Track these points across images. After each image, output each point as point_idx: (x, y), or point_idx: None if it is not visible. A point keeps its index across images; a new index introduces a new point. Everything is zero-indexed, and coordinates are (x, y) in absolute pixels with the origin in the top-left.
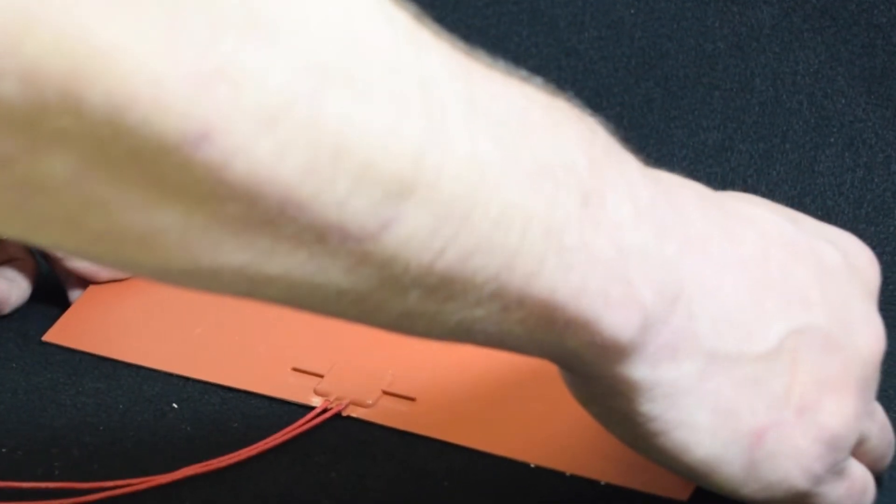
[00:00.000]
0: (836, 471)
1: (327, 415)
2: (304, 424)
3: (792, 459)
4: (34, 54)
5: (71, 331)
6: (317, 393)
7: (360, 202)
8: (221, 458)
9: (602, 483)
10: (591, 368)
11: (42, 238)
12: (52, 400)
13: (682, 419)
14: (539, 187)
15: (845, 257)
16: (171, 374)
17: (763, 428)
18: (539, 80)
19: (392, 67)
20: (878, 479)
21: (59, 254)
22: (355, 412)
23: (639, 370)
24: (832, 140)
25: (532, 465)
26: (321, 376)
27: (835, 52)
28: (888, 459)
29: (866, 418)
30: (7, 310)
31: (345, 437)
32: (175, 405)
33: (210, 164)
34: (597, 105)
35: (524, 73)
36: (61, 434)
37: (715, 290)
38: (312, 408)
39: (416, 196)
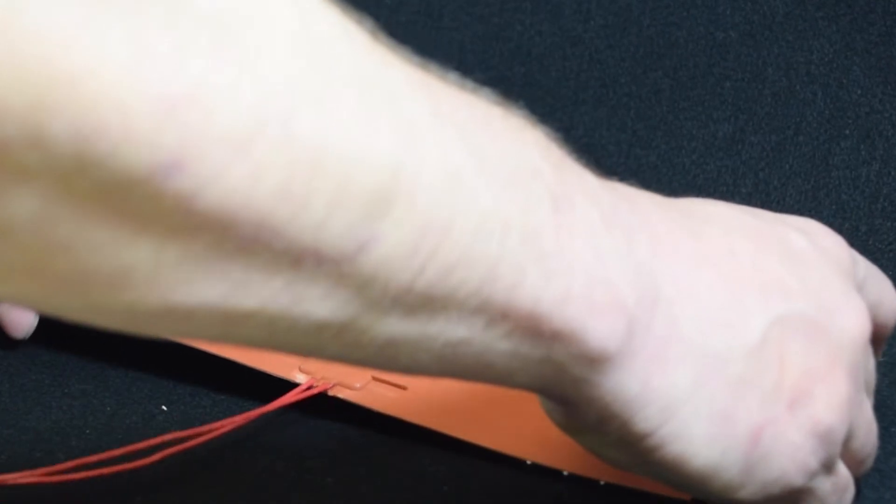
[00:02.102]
0: (828, 465)
1: (313, 391)
2: (288, 399)
3: (787, 456)
4: None
5: None
6: (302, 370)
7: (336, 223)
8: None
9: (601, 483)
10: (581, 389)
11: (3, 288)
12: (37, 402)
13: (679, 431)
14: (512, 194)
15: (812, 241)
16: (160, 376)
17: (758, 427)
18: (487, 91)
19: (358, 83)
20: (857, 483)
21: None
22: (342, 393)
23: (631, 385)
24: (847, 132)
25: (528, 462)
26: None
27: (850, 41)
28: (869, 464)
29: (856, 407)
30: (21, 334)
31: (341, 441)
32: (164, 408)
33: (182, 195)
34: (603, 96)
35: (472, 84)
36: (46, 437)
37: (691, 290)
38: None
39: (393, 213)
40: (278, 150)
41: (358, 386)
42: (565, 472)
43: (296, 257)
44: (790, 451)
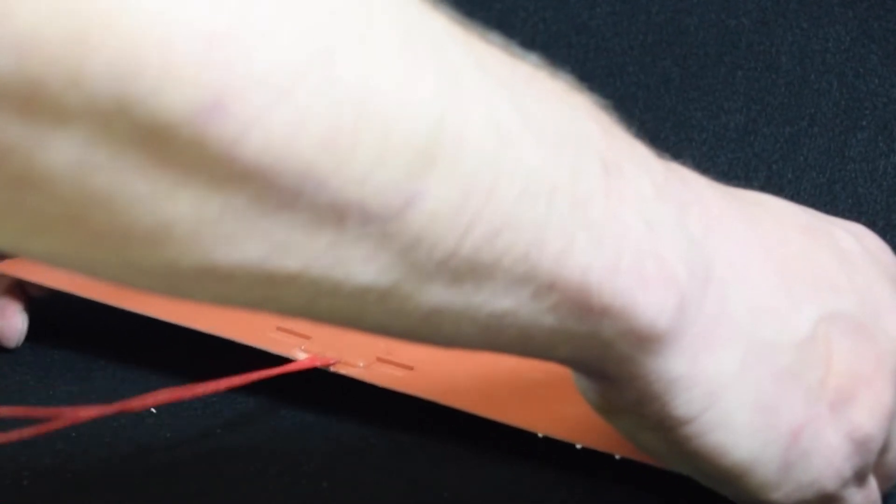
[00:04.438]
0: (861, 475)
1: (315, 362)
2: (288, 368)
3: (824, 458)
4: (31, 20)
5: (28, 260)
6: (304, 350)
7: (381, 176)
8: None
9: (617, 457)
10: (625, 367)
11: (38, 244)
12: (22, 404)
13: (721, 420)
14: (560, 156)
15: (860, 243)
16: (149, 378)
17: (800, 425)
18: (534, 56)
19: (402, 29)
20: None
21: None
22: (345, 370)
23: (677, 365)
24: (864, 123)
25: (540, 436)
26: (308, 338)
27: (867, 29)
28: (895, 480)
29: (894, 419)
30: (12, 344)
31: (337, 444)
32: (153, 409)
33: (223, 140)
34: (610, 86)
35: (516, 48)
36: (31, 440)
37: (743, 272)
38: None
39: (438, 167)
40: (320, 94)
41: (361, 364)
42: (578, 446)
43: (340, 213)
44: (827, 453)
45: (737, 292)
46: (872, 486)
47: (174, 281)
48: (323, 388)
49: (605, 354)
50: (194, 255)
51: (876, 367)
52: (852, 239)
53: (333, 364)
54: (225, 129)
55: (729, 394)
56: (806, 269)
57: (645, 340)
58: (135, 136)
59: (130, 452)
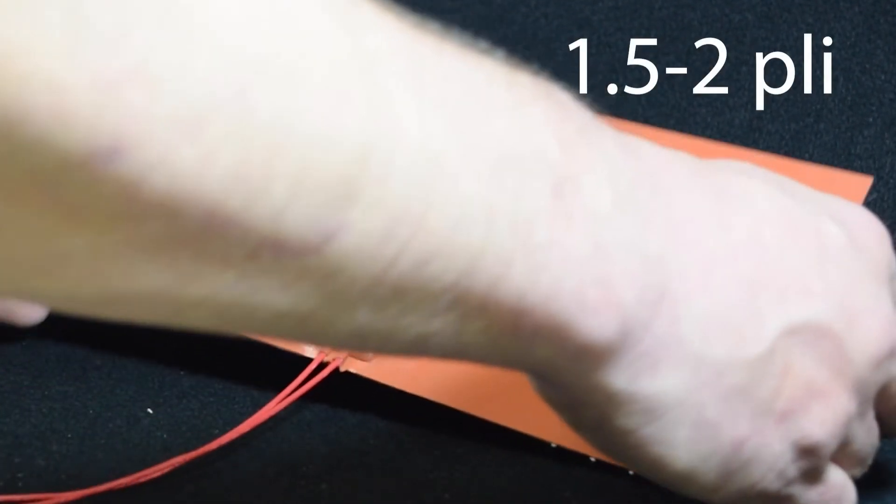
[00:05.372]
0: (811, 475)
1: (326, 371)
2: (303, 384)
3: (765, 464)
4: None
5: None
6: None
7: (298, 211)
8: (201, 449)
9: (630, 473)
10: (562, 377)
11: None
12: (16, 404)
13: (660, 435)
14: (503, 178)
15: (850, 235)
16: (145, 377)
17: (743, 438)
18: (500, 53)
19: (328, 55)
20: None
21: None
22: (354, 367)
23: (616, 381)
24: (870, 120)
25: (553, 446)
26: None
27: (873, 24)
28: (869, 462)
29: (856, 420)
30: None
31: (335, 446)
32: (150, 410)
33: (123, 181)
34: (612, 82)
35: (484, 45)
36: (26, 441)
37: (703, 287)
38: (307, 361)
39: (362, 199)
40: (233, 130)
41: (369, 355)
42: (593, 459)
43: (252, 248)
44: (770, 459)
45: (691, 311)
46: (832, 482)
47: (75, 304)
48: (322, 387)
49: (541, 367)
50: (92, 285)
51: (834, 377)
52: (839, 231)
53: (342, 362)
54: (124, 171)
55: (669, 412)
56: (777, 273)
57: (581, 359)
58: (24, 177)
59: (127, 453)
